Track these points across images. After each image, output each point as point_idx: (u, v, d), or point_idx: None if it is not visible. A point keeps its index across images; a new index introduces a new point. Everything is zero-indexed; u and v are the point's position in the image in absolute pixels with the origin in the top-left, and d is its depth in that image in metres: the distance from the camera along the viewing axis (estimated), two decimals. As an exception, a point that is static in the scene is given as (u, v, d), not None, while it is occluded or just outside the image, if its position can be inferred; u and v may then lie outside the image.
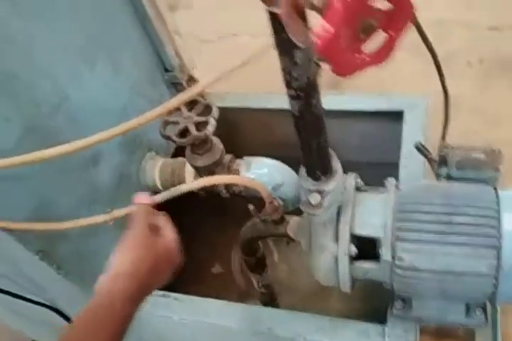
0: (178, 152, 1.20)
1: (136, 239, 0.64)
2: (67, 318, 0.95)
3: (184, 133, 0.96)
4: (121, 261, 0.62)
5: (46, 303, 0.94)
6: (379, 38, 0.40)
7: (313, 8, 0.41)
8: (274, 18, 0.51)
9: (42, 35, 0.83)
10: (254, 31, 2.48)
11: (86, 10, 0.94)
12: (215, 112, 0.95)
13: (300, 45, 0.50)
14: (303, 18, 0.48)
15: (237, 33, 2.51)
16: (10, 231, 0.77)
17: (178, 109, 0.99)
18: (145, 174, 1.11)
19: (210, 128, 0.93)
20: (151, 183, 1.11)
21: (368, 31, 0.38)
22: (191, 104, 1.00)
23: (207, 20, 2.58)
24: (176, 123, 0.97)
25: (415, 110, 1.14)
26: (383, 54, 0.40)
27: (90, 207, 0.95)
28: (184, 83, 1.26)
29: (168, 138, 0.95)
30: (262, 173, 0.97)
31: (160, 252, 0.64)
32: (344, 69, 0.39)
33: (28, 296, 0.93)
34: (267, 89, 1.33)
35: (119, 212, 0.80)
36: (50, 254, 0.86)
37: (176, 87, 1.27)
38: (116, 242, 1.03)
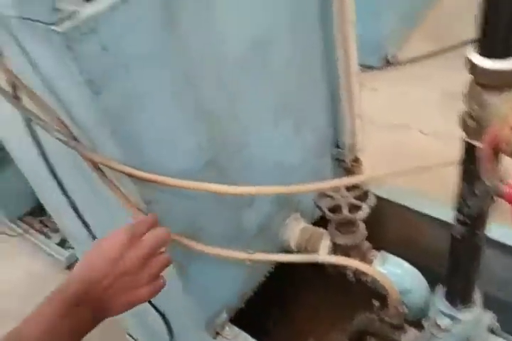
0: (321, 219, 1.26)
1: (106, 249, 0.64)
2: (169, 328, 1.02)
3: (336, 209, 1.02)
4: (79, 266, 0.64)
5: (157, 306, 1.03)
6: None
7: (514, 156, 0.44)
8: (470, 149, 0.55)
9: (247, 88, 0.96)
10: (425, 128, 2.51)
11: (289, 78, 1.06)
12: (372, 201, 1.00)
13: (485, 181, 0.53)
14: (498, 158, 0.51)
15: (409, 125, 2.55)
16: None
17: (338, 185, 1.06)
18: (285, 231, 1.18)
19: (362, 214, 0.98)
20: (287, 241, 1.17)
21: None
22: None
23: (385, 106, 2.67)
24: (331, 197, 1.04)
25: None
26: None
27: (229, 244, 1.03)
28: (348, 162, 1.32)
29: (319, 208, 1.02)
30: (394, 273, 0.97)
31: (124, 276, 0.63)
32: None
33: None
34: (425, 191, 1.34)
35: (259, 256, 0.87)
36: (183, 269, 0.96)
37: (339, 162, 1.34)
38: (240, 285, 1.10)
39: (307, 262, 0.87)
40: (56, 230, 2.25)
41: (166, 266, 0.69)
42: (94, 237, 1.02)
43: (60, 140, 0.80)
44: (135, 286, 0.65)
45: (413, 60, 3.10)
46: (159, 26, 0.77)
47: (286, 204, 1.19)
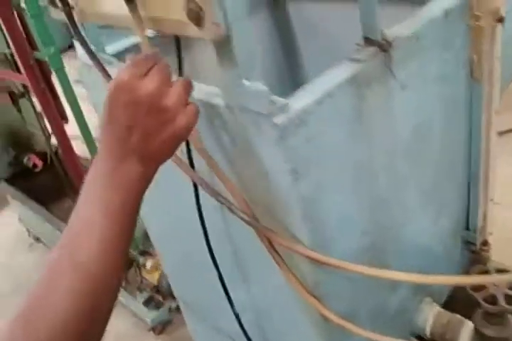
0: (448, 303, 1.24)
1: (116, 98, 0.60)
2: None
3: (489, 298, 1.00)
4: (100, 129, 0.62)
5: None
6: None
7: None
8: None
9: (408, 174, 1.00)
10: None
11: (438, 163, 1.10)
12: (529, 293, 0.98)
13: None
14: None
15: (501, 202, 2.50)
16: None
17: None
18: (419, 316, 1.15)
19: (519, 305, 0.96)
20: (421, 327, 1.15)
21: None
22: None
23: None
24: (483, 286, 1.03)
25: None
26: None
27: (372, 324, 1.02)
28: (478, 245, 1.31)
29: (473, 297, 1.00)
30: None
31: (150, 115, 0.59)
32: None
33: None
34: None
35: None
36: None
37: (468, 245, 1.33)
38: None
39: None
40: (142, 289, 2.26)
41: (188, 90, 0.64)
42: (235, 313, 1.04)
43: (243, 220, 0.84)
44: (167, 119, 0.61)
45: (498, 134, 3.10)
46: (352, 118, 0.82)
47: (421, 288, 1.17)
